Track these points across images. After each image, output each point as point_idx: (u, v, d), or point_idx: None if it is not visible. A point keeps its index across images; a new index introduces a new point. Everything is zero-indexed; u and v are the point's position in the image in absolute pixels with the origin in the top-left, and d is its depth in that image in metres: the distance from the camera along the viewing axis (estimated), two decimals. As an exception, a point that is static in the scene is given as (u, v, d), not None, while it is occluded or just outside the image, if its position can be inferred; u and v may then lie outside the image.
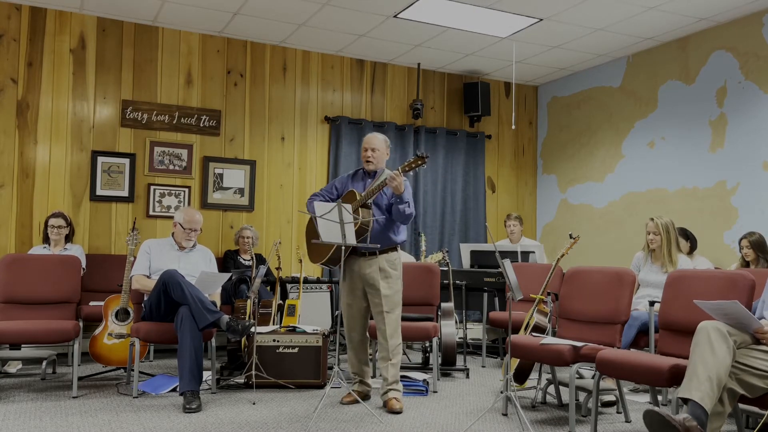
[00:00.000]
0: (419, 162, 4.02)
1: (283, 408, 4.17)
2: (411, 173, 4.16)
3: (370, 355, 4.75)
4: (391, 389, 4.23)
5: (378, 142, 4.34)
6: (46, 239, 5.66)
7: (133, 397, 4.35)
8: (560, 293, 4.38)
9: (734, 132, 6.15)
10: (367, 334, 4.48)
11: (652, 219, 5.03)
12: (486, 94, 7.82)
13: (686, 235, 5.73)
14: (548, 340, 3.95)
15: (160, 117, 6.61)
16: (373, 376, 5.06)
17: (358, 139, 7.37)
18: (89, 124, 6.39)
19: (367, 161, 4.34)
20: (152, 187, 6.57)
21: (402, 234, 4.37)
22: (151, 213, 6.55)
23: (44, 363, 5.04)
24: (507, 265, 3.89)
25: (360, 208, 4.18)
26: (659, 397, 4.48)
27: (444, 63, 7.63)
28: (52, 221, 5.61)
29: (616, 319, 3.98)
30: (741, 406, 3.36)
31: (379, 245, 4.22)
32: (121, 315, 4.84)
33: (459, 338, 6.00)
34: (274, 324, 5.33)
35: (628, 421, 4.02)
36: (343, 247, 4.10)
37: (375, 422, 3.87)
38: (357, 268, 4.28)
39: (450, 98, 8.00)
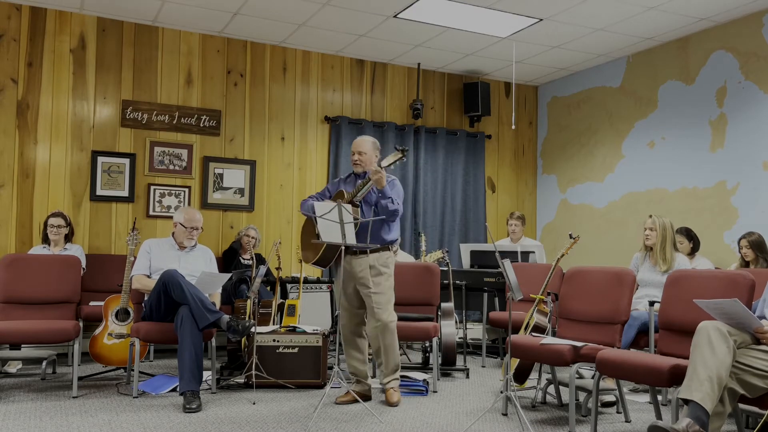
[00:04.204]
0: (398, 156, 4.17)
1: (283, 408, 4.17)
2: (392, 167, 4.28)
3: (370, 355, 4.75)
4: (390, 380, 4.33)
5: (365, 146, 4.45)
6: (45, 239, 5.66)
7: (133, 397, 4.34)
8: (560, 293, 4.38)
9: (734, 132, 6.15)
10: (365, 333, 4.49)
11: (650, 216, 5.04)
12: (486, 94, 7.82)
13: (690, 235, 5.73)
14: (548, 340, 3.96)
15: (160, 117, 6.61)
16: (373, 376, 5.06)
17: (358, 139, 7.37)
18: (89, 124, 6.39)
19: (355, 164, 4.45)
20: (152, 187, 6.57)
21: (393, 233, 4.41)
22: (151, 213, 6.56)
23: (44, 363, 5.04)
24: (507, 265, 3.89)
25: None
26: (659, 398, 4.48)
27: (444, 63, 7.63)
28: (51, 221, 5.61)
29: (616, 319, 3.98)
30: (741, 406, 3.36)
31: (377, 244, 4.27)
32: (121, 315, 4.85)
33: (459, 338, 6.00)
34: (274, 324, 5.33)
35: (628, 421, 4.02)
36: (342, 248, 4.14)
37: (375, 422, 3.87)
38: (348, 267, 4.33)
39: (450, 98, 8.00)
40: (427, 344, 5.64)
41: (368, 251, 4.29)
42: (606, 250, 7.30)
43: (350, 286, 4.37)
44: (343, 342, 4.46)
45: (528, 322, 4.73)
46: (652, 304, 4.52)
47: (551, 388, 4.64)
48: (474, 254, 6.65)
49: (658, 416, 3.88)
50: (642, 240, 5.09)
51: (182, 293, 4.29)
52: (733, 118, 6.16)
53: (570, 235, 5.17)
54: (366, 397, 4.40)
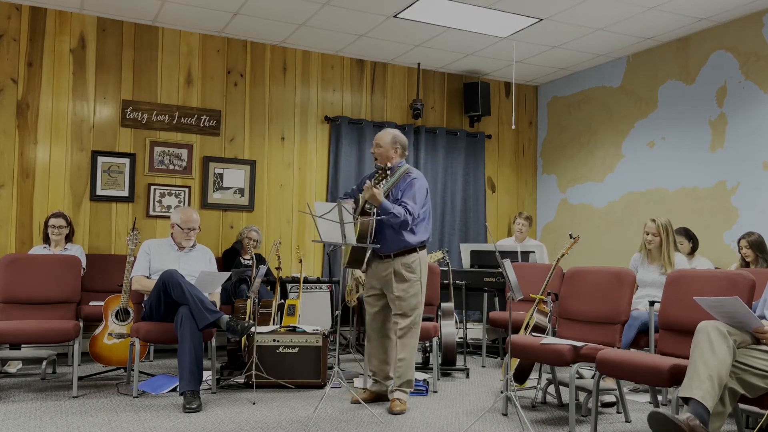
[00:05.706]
0: (383, 176, 4.03)
1: (283, 408, 4.17)
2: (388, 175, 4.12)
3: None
4: (396, 389, 4.21)
5: (383, 138, 4.32)
6: (46, 239, 5.66)
7: (133, 397, 4.35)
8: (560, 293, 4.38)
9: (734, 132, 6.15)
10: (390, 333, 4.35)
11: (653, 220, 5.02)
12: (486, 94, 7.82)
13: (689, 235, 5.73)
14: (548, 340, 3.96)
15: (160, 117, 6.61)
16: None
17: (358, 139, 7.37)
18: (89, 124, 6.39)
19: (375, 158, 4.37)
20: (152, 187, 6.57)
21: (420, 234, 4.24)
22: (151, 213, 6.55)
23: (44, 363, 5.04)
24: (507, 265, 3.89)
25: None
26: (659, 397, 4.48)
27: (444, 63, 7.63)
28: (52, 221, 5.61)
29: (616, 319, 3.98)
30: (741, 406, 3.36)
31: (379, 245, 4.18)
32: (121, 315, 4.85)
33: (459, 338, 6.00)
34: (274, 324, 5.33)
35: (628, 421, 4.02)
36: (369, 250, 4.10)
37: (375, 422, 3.87)
38: (375, 268, 4.29)
39: (450, 98, 8.00)
40: (427, 344, 5.64)
41: (392, 255, 4.20)
42: (606, 250, 7.30)
43: (377, 288, 4.32)
44: (366, 340, 4.42)
45: (528, 322, 4.73)
46: (652, 304, 4.52)
47: (551, 388, 4.64)
48: (474, 254, 6.65)
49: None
50: (642, 243, 5.09)
51: (182, 293, 4.29)
52: (733, 118, 6.16)
53: (570, 235, 5.17)
54: (382, 396, 4.34)
